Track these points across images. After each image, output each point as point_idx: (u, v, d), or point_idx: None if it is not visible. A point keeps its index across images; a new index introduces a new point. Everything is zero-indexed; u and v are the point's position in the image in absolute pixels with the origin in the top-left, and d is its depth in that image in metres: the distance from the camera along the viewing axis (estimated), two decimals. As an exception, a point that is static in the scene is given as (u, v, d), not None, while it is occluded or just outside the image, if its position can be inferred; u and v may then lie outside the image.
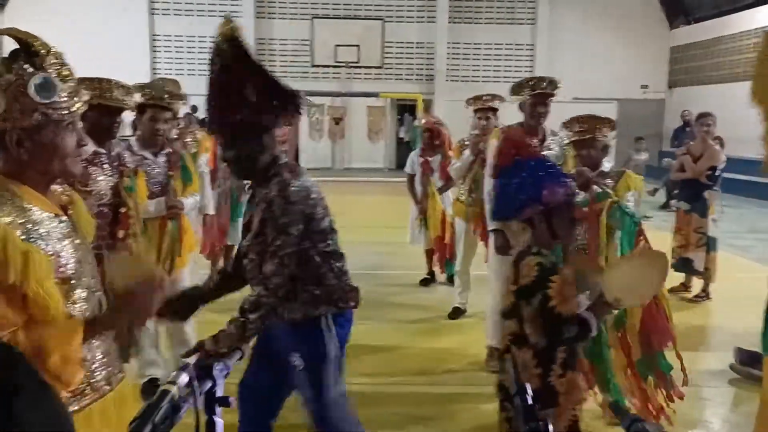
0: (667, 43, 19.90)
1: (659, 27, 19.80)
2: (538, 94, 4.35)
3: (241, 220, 6.46)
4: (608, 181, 3.52)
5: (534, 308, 2.34)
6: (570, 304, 2.34)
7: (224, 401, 1.18)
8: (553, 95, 4.47)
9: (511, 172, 2.55)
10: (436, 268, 6.81)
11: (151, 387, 3.77)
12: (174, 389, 1.06)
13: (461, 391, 4.32)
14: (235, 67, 2.40)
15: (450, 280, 6.54)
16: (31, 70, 1.61)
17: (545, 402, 2.34)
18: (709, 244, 6.44)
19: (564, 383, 2.39)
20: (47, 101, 1.61)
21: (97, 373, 1.74)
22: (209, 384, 1.17)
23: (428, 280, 6.83)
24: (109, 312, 1.72)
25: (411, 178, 6.66)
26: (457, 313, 5.76)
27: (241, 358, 1.39)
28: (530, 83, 4.45)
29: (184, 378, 1.10)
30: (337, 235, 2.72)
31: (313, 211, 2.51)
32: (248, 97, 2.35)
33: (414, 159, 6.64)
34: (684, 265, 6.51)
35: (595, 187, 3.47)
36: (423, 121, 6.76)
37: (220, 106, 2.41)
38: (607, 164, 3.74)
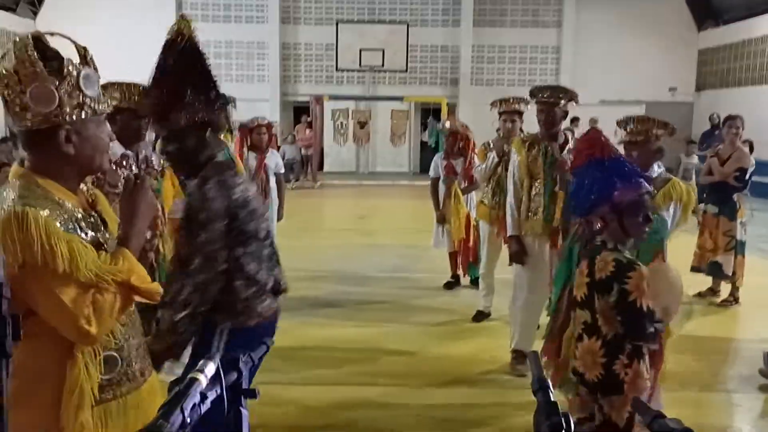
0: (695, 45, 19.64)
1: (687, 29, 19.56)
2: (537, 102, 4.44)
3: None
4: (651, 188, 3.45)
5: (611, 301, 2.44)
6: (649, 298, 2.42)
7: (251, 393, 1.20)
8: (554, 104, 4.38)
9: (584, 171, 2.65)
10: (461, 272, 6.79)
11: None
12: (202, 378, 1.08)
13: (485, 395, 4.31)
14: (185, 64, 2.42)
15: (474, 284, 6.53)
16: (78, 67, 1.69)
17: (608, 389, 2.49)
18: (738, 248, 6.36)
19: (630, 373, 2.47)
20: (94, 95, 1.69)
21: (134, 362, 1.81)
22: (235, 375, 1.19)
23: (453, 284, 6.82)
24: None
25: (435, 181, 6.66)
26: (480, 316, 5.75)
27: (266, 352, 1.41)
28: (533, 92, 4.52)
29: (211, 367, 1.12)
30: (270, 243, 2.59)
31: (237, 211, 2.41)
32: (195, 94, 2.37)
33: (438, 162, 6.65)
34: (712, 268, 6.43)
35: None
36: (447, 124, 6.76)
37: (167, 101, 2.39)
38: (657, 169, 3.59)
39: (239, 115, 6.56)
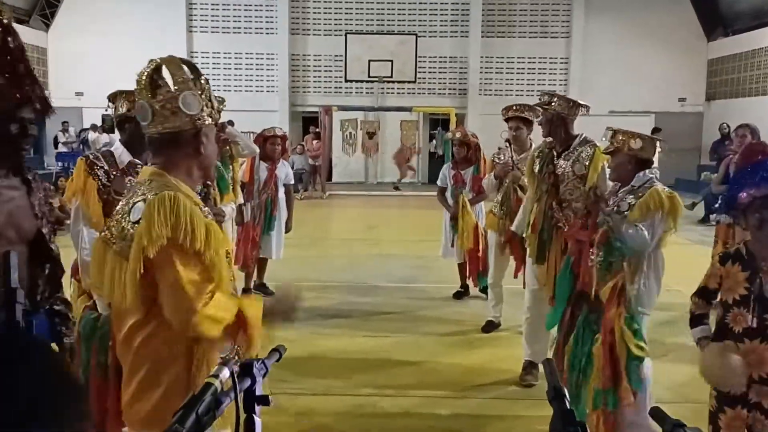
0: (705, 55, 19.60)
1: (696, 39, 19.52)
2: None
3: (274, 233, 6.34)
4: (630, 197, 3.40)
5: None
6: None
7: (264, 400, 1.20)
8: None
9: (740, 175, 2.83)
10: (470, 281, 6.77)
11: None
12: (217, 383, 1.09)
13: (495, 405, 4.29)
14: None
15: (484, 293, 6.52)
16: (208, 82, 1.93)
17: None
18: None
19: None
20: (214, 106, 1.94)
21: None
22: (248, 382, 1.19)
23: (461, 294, 6.80)
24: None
25: (442, 191, 6.68)
26: (491, 326, 5.72)
27: (279, 359, 1.41)
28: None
29: (225, 372, 1.13)
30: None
31: None
32: None
33: (446, 172, 6.66)
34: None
35: (602, 214, 3.43)
36: (458, 134, 6.73)
37: None
38: (642, 177, 3.49)
39: (249, 125, 6.60)
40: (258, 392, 1.19)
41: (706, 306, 2.89)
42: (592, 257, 3.45)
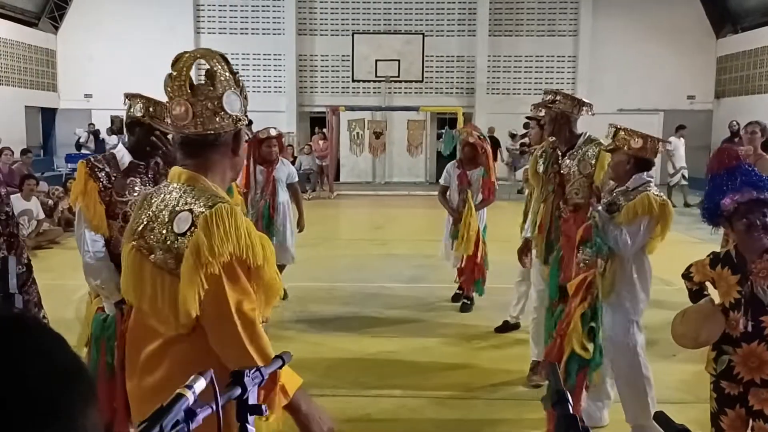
0: (714, 52, 19.46)
1: (705, 36, 19.39)
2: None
3: (278, 240, 6.05)
4: (621, 199, 3.40)
5: None
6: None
7: (257, 409, 1.17)
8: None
9: (716, 181, 2.78)
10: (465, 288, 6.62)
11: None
12: (189, 394, 1.03)
13: (503, 406, 4.27)
14: None
15: (468, 300, 6.41)
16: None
17: None
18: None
19: None
20: (245, 108, 1.87)
21: None
22: (238, 391, 1.15)
23: (460, 296, 6.57)
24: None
25: (444, 190, 6.47)
26: (506, 327, 5.66)
27: (281, 366, 1.39)
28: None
29: (201, 383, 1.06)
30: None
31: None
32: None
33: (450, 171, 6.43)
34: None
35: (593, 212, 3.43)
36: (465, 134, 6.56)
37: None
38: (641, 179, 3.49)
39: (257, 126, 6.43)
40: (251, 401, 1.16)
41: (696, 283, 2.91)
42: (579, 254, 3.44)
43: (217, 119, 1.74)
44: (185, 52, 1.79)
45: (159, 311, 1.69)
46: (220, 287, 1.62)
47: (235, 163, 1.86)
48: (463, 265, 6.31)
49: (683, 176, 14.42)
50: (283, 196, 6.26)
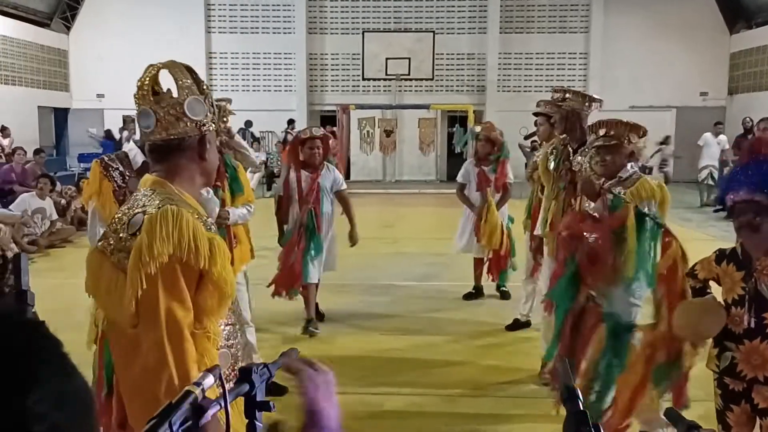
0: (727, 48, 19.30)
1: (718, 32, 19.23)
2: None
3: (322, 256, 5.50)
4: (619, 188, 3.39)
5: None
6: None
7: (265, 406, 1.17)
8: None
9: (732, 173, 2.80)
10: (489, 278, 6.68)
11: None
12: (197, 391, 1.03)
13: (513, 404, 4.26)
14: None
15: (500, 294, 6.51)
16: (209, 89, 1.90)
17: None
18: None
19: None
20: (215, 113, 1.91)
21: (239, 361, 1.94)
22: (246, 387, 1.14)
23: (473, 295, 6.63)
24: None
25: (462, 187, 6.51)
26: (517, 324, 5.65)
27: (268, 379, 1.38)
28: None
29: (209, 380, 1.07)
30: None
31: None
32: None
33: (469, 169, 6.47)
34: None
35: (608, 195, 3.32)
36: (485, 129, 6.55)
37: None
38: (630, 169, 3.53)
39: (267, 125, 6.39)
40: (259, 398, 1.15)
41: (700, 281, 2.88)
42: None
43: (181, 125, 1.81)
44: (150, 65, 1.87)
45: (110, 307, 1.75)
46: (154, 288, 1.64)
47: (205, 168, 1.90)
48: (487, 258, 6.44)
49: (711, 175, 13.63)
50: (328, 205, 5.59)
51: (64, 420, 0.64)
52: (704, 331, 2.76)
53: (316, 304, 5.78)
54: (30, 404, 0.61)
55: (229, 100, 4.67)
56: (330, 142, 6.04)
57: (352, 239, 5.75)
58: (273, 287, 5.49)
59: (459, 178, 6.61)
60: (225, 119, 4.31)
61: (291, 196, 5.47)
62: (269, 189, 14.09)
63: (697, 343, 2.87)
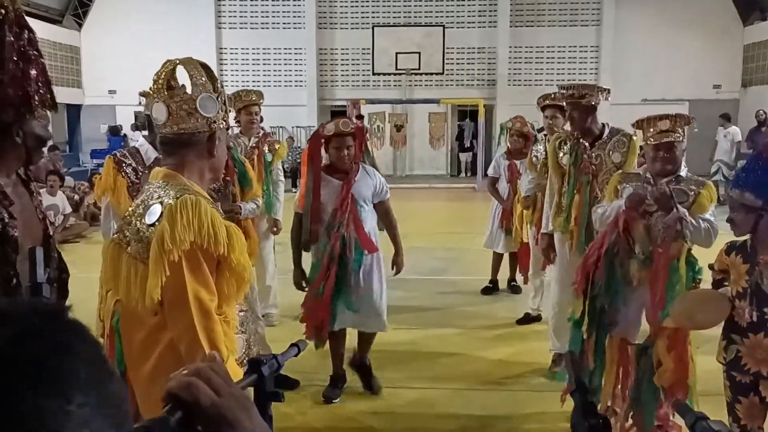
0: (741, 40, 19.09)
1: (732, 24, 19.03)
2: (564, 100, 4.44)
3: (358, 303, 4.05)
4: (692, 188, 3.22)
5: None
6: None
7: (276, 396, 1.19)
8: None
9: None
10: (500, 277, 6.67)
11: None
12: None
13: (525, 398, 4.26)
14: None
15: (512, 289, 6.49)
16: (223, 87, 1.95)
17: None
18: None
19: None
20: (227, 112, 1.97)
21: (253, 346, 2.01)
22: (255, 378, 1.16)
23: (491, 290, 6.64)
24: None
25: (493, 181, 6.49)
26: (528, 318, 5.67)
27: (297, 354, 1.41)
28: (560, 89, 4.59)
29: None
30: None
31: None
32: None
33: (500, 162, 6.45)
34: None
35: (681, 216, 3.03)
36: (517, 125, 6.46)
37: None
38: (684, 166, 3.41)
39: (278, 120, 6.39)
40: (269, 388, 1.17)
41: (719, 272, 2.89)
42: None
43: (192, 120, 1.85)
44: (168, 60, 1.92)
45: (131, 297, 1.78)
46: (180, 274, 1.70)
47: (213, 164, 1.95)
48: (519, 250, 6.34)
49: (721, 172, 13.18)
50: (370, 222, 4.21)
51: (105, 427, 0.60)
52: (702, 320, 2.78)
53: (360, 356, 4.40)
54: (73, 408, 0.58)
55: (260, 93, 4.75)
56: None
57: (397, 266, 4.44)
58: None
59: (490, 172, 6.62)
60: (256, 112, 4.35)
61: (317, 213, 4.01)
62: (294, 186, 13.75)
63: (696, 328, 2.93)
